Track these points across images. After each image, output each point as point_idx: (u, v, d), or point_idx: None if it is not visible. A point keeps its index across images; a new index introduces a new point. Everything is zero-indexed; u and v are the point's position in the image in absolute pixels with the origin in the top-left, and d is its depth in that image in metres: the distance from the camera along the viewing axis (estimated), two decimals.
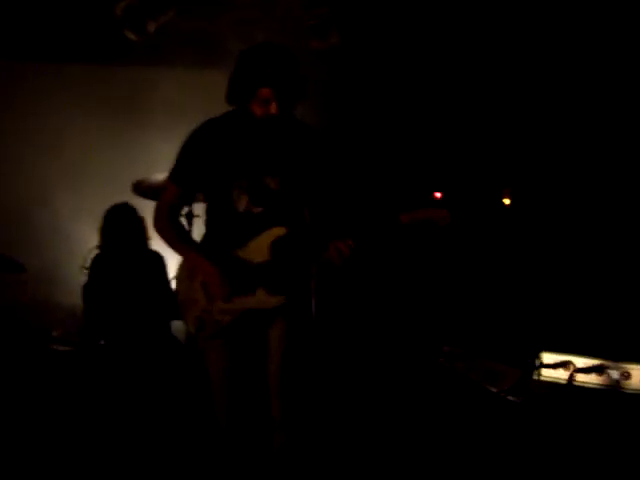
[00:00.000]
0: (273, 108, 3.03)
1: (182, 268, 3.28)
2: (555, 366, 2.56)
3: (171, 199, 3.25)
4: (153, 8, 5.16)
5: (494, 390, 2.82)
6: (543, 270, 4.69)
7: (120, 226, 4.69)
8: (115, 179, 5.42)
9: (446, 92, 5.28)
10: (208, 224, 3.31)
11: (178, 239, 3.27)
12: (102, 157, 5.77)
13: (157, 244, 4.16)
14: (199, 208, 4.18)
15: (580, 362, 2.52)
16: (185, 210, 4.90)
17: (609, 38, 4.53)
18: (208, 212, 3.31)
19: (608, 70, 4.54)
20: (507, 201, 4.13)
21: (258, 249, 3.14)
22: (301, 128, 3.25)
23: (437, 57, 5.27)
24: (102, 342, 4.62)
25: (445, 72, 5.27)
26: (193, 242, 3.34)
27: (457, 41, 5.17)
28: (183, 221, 4.81)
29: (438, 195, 3.50)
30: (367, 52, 5.48)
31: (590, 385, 2.49)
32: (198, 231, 3.56)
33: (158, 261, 4.69)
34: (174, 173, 3.22)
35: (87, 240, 4.99)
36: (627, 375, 2.41)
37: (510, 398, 2.74)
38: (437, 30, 5.20)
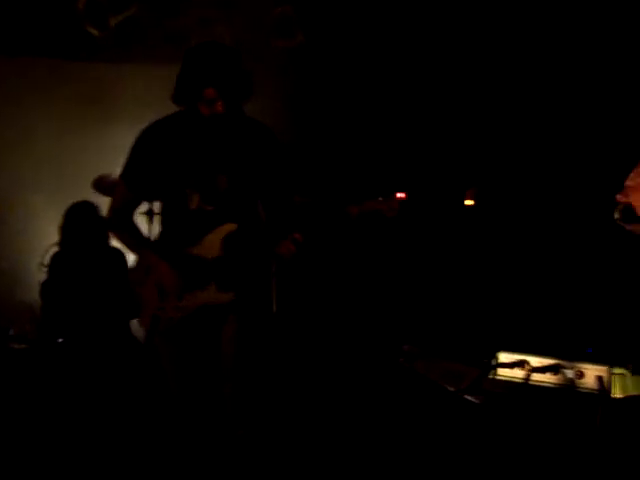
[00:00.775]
0: (219, 107, 3.04)
1: (136, 266, 3.28)
2: (511, 365, 2.57)
3: (123, 199, 3.26)
4: (114, 3, 5.12)
5: (452, 389, 2.83)
6: (500, 271, 4.73)
7: (80, 224, 4.66)
8: (85, 176, 5.37)
9: (410, 91, 5.30)
10: (163, 222, 3.33)
11: (130, 237, 3.29)
12: (72, 154, 5.73)
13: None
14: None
15: (536, 361, 2.53)
16: (146, 208, 4.89)
17: (567, 40, 4.58)
18: (163, 210, 3.33)
19: (571, 70, 4.59)
20: (469, 202, 4.16)
21: (210, 246, 3.16)
22: (250, 125, 3.26)
23: (401, 55, 5.29)
24: (60, 340, 4.57)
25: (409, 71, 5.29)
26: (145, 240, 3.36)
27: (420, 39, 5.19)
28: (144, 219, 4.85)
29: (401, 195, 3.51)
30: (330, 50, 5.49)
31: (545, 384, 2.50)
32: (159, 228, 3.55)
33: (119, 258, 4.66)
34: (124, 175, 3.23)
35: (51, 238, 4.94)
36: (581, 374, 2.43)
37: (468, 397, 2.75)
38: (399, 28, 5.21)
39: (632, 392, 2.36)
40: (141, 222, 4.00)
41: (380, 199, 3.29)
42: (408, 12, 5.16)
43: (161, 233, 3.36)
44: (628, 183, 2.86)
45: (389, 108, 5.38)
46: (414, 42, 5.23)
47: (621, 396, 2.34)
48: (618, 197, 2.81)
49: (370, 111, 5.44)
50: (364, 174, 5.21)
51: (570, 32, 4.56)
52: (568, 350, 2.54)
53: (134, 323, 4.61)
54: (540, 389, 2.49)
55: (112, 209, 3.34)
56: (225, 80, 3.02)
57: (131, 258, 4.46)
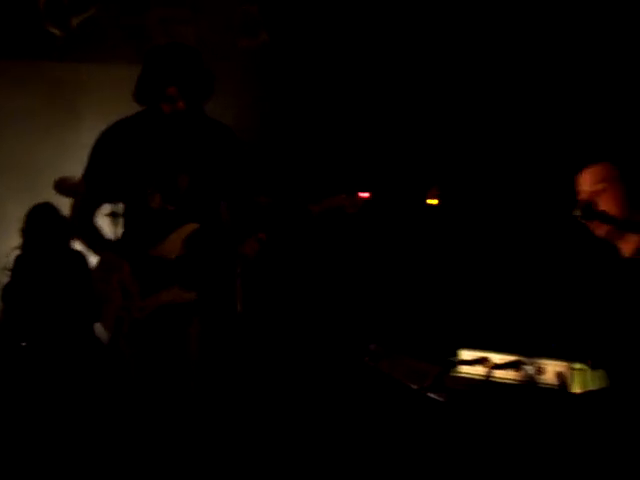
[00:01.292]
0: (180, 105, 3.05)
1: (98, 268, 3.27)
2: (473, 362, 2.59)
3: (85, 200, 3.26)
4: (76, 3, 5.07)
5: (415, 387, 2.85)
6: (462, 269, 4.76)
7: (42, 227, 4.61)
8: (49, 177, 5.30)
9: (373, 90, 5.32)
10: (125, 223, 3.32)
11: (92, 239, 3.28)
12: (35, 155, 5.66)
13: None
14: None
15: (497, 358, 2.55)
16: (109, 210, 4.85)
17: (521, 40, 4.63)
18: (125, 211, 3.32)
19: (528, 72, 4.64)
20: (432, 201, 4.16)
21: (173, 245, 3.16)
22: (211, 125, 3.28)
23: (363, 55, 5.30)
24: (23, 344, 4.51)
25: (372, 70, 5.30)
26: (108, 241, 3.35)
27: (382, 38, 5.21)
28: (108, 220, 4.80)
29: (365, 195, 3.52)
30: (294, 49, 5.49)
31: (506, 381, 2.52)
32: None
33: (80, 261, 4.61)
34: (85, 176, 3.23)
35: (13, 240, 4.87)
36: (541, 370, 2.45)
37: (431, 395, 2.76)
38: (360, 28, 5.23)
39: (591, 387, 2.38)
40: (106, 224, 3.95)
41: (343, 196, 3.31)
42: (371, 11, 5.17)
43: (124, 234, 3.35)
44: (587, 188, 2.90)
45: (352, 107, 5.39)
46: (375, 41, 5.24)
47: (581, 391, 2.36)
48: (586, 204, 2.84)
49: (334, 110, 5.45)
50: (328, 173, 5.21)
51: (520, 32, 4.61)
52: (529, 347, 2.56)
53: (98, 326, 4.59)
54: (502, 386, 2.51)
55: (74, 211, 3.34)
56: (187, 79, 3.04)
57: (93, 260, 4.45)
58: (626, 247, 2.90)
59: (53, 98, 5.70)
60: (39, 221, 4.63)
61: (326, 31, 5.32)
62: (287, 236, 3.29)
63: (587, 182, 2.91)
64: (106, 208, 4.46)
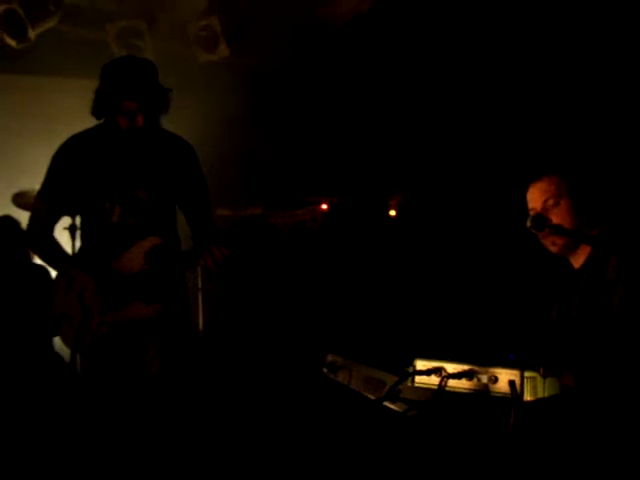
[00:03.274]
0: (139, 120, 3.04)
1: (57, 283, 3.23)
2: (428, 372, 2.62)
3: (42, 214, 3.23)
4: (33, 14, 5.02)
5: (372, 398, 2.87)
6: (417, 280, 4.80)
7: (1, 240, 4.56)
8: (7, 191, 5.25)
9: (337, 102, 5.36)
10: (84, 236, 3.30)
11: (50, 252, 3.24)
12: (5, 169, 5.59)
13: None
14: None
15: (451, 368, 2.59)
16: (68, 224, 4.82)
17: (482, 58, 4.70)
18: (83, 225, 3.30)
19: (482, 88, 4.71)
20: (393, 212, 4.21)
21: (134, 259, 3.14)
22: (168, 138, 3.27)
23: (325, 65, 5.34)
24: None
25: (335, 81, 5.35)
26: (67, 255, 3.32)
27: (341, 49, 5.25)
28: (67, 234, 4.77)
29: (324, 207, 3.54)
30: (253, 60, 5.52)
31: (460, 390, 2.56)
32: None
33: (42, 275, 4.57)
34: (43, 190, 3.21)
35: None
36: (495, 379, 2.49)
37: (389, 406, 2.79)
38: (317, 37, 5.26)
39: (542, 394, 2.43)
40: (63, 238, 3.92)
41: (303, 210, 3.31)
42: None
43: (82, 248, 3.33)
44: (538, 205, 2.95)
45: (314, 120, 5.43)
46: (335, 52, 5.28)
47: (532, 399, 2.41)
48: (538, 216, 2.89)
49: (294, 122, 5.48)
50: (289, 184, 5.24)
51: (462, 47, 4.68)
52: (484, 356, 2.59)
53: (58, 341, 4.55)
54: (456, 395, 2.54)
55: (31, 224, 3.30)
56: (145, 93, 3.03)
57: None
58: (577, 260, 2.97)
59: (13, 112, 5.65)
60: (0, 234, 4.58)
61: (284, 42, 5.34)
62: (249, 249, 3.28)
63: (537, 198, 2.96)
64: (65, 221, 4.44)
